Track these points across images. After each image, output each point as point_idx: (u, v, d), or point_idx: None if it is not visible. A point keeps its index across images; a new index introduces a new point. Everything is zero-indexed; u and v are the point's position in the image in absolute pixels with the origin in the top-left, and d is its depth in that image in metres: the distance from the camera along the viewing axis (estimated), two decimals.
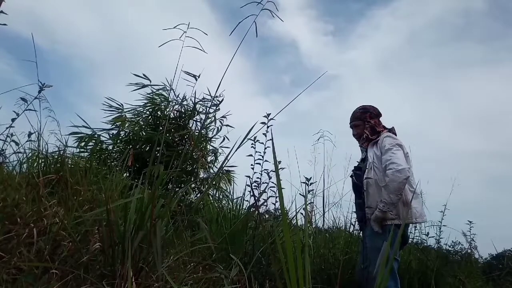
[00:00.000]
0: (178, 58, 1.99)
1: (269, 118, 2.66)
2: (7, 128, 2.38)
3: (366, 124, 2.70)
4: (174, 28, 1.92)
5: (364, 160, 2.73)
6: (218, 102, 4.46)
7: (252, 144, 2.82)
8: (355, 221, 2.81)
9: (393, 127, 2.75)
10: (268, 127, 2.70)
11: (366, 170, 2.55)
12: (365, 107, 2.77)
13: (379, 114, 2.78)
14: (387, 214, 2.37)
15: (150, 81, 4.46)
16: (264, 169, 2.85)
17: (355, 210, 2.83)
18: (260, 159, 2.83)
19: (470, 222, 4.10)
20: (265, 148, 2.82)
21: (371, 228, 2.46)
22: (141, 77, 4.45)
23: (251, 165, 2.85)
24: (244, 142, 1.74)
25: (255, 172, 2.85)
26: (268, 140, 2.78)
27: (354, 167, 2.76)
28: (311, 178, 2.89)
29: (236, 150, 1.75)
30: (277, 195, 2.77)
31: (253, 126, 1.72)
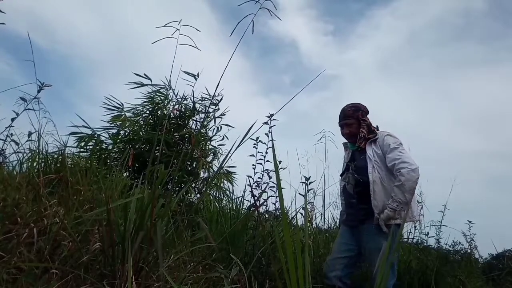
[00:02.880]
0: (174, 56, 1.98)
1: (271, 119, 2.66)
2: (6, 127, 2.38)
3: (362, 122, 2.67)
4: (165, 26, 1.91)
5: (354, 159, 2.69)
6: (217, 101, 4.47)
7: (254, 144, 2.83)
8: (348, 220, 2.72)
9: (377, 125, 2.74)
10: (270, 127, 2.70)
11: (369, 168, 2.52)
12: (356, 105, 2.73)
13: (368, 112, 2.76)
14: (396, 214, 2.37)
15: (151, 80, 4.47)
16: (265, 169, 2.86)
17: (345, 210, 2.77)
18: (262, 159, 2.83)
19: (470, 222, 4.10)
20: (267, 148, 2.82)
21: (373, 228, 2.43)
22: (142, 76, 4.45)
23: (253, 165, 2.85)
24: (243, 141, 1.74)
25: (256, 172, 2.85)
26: (269, 140, 2.78)
27: (349, 166, 2.72)
28: (310, 177, 2.90)
29: (235, 150, 1.75)
30: (277, 195, 2.77)
31: (252, 126, 1.72)
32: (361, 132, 2.65)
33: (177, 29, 1.92)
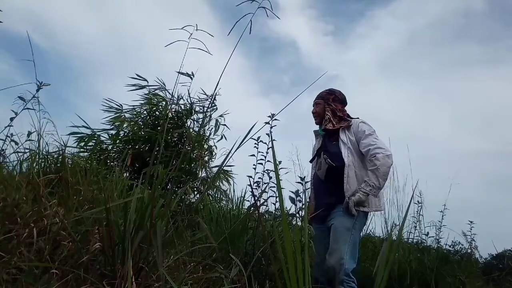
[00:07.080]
0: (182, 60, 1.97)
1: (272, 119, 2.66)
2: (6, 127, 2.38)
3: (327, 106, 2.68)
4: (181, 28, 1.90)
5: (326, 145, 2.65)
6: (214, 100, 4.46)
7: (254, 144, 2.83)
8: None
9: (358, 117, 2.72)
10: (271, 127, 2.70)
11: (344, 153, 2.49)
12: (332, 90, 2.75)
13: (344, 102, 2.75)
14: (367, 198, 2.37)
15: (148, 82, 4.48)
16: (266, 169, 2.86)
17: (313, 199, 2.70)
18: (262, 159, 2.84)
19: (471, 222, 4.10)
20: (268, 149, 2.83)
21: (341, 209, 2.39)
22: (137, 78, 4.45)
23: (253, 165, 2.85)
24: (244, 141, 1.74)
25: (257, 172, 2.86)
26: (270, 140, 2.79)
27: (321, 152, 2.66)
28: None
29: (236, 150, 1.74)
30: (277, 194, 2.76)
31: (253, 126, 1.71)
32: (326, 115, 2.66)
33: (191, 33, 1.92)
